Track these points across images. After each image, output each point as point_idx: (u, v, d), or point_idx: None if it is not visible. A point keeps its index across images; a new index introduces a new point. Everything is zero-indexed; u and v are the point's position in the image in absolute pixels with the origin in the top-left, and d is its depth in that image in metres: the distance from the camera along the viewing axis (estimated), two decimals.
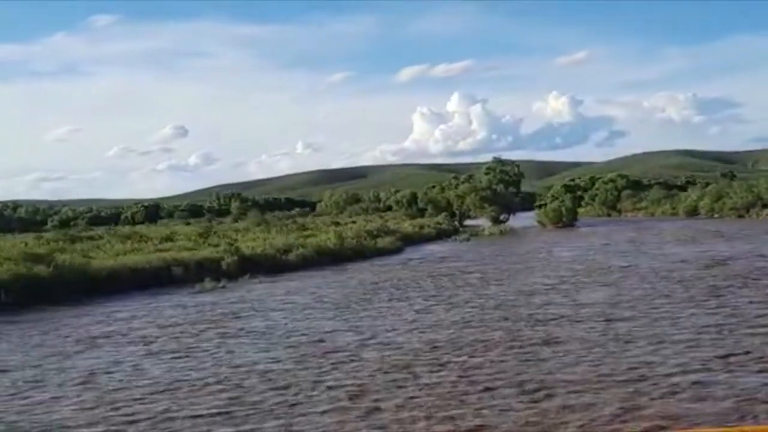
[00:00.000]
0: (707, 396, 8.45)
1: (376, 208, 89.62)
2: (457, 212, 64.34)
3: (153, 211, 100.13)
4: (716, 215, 65.27)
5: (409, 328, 13.84)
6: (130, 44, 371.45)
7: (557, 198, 74.67)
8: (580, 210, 74.24)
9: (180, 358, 11.90)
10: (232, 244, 29.06)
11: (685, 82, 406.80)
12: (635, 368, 9.79)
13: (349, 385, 9.64)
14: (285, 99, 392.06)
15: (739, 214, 62.18)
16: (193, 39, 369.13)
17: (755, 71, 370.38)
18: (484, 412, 8.19)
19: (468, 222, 62.55)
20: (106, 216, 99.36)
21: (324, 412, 8.46)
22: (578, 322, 13.70)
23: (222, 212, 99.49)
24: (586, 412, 7.99)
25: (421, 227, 49.83)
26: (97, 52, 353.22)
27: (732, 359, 10.12)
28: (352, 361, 11.13)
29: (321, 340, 12.94)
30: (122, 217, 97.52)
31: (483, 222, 61.18)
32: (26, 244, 29.58)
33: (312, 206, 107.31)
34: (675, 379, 9.16)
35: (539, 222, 61.62)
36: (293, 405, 8.81)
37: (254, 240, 33.45)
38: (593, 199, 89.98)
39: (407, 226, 49.52)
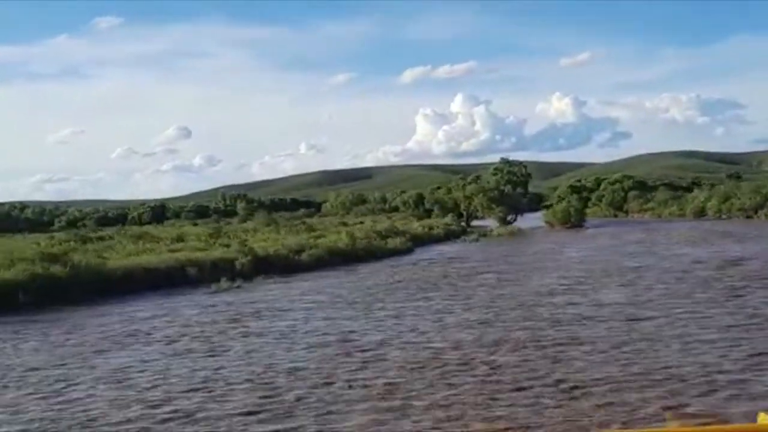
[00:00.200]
0: (745, 394, 8.46)
1: (383, 209, 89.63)
2: (464, 213, 64.30)
3: (159, 212, 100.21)
4: (724, 216, 65.18)
5: (432, 328, 13.88)
6: (132, 46, 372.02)
7: (564, 199, 74.64)
8: (587, 211, 74.11)
9: (208, 357, 11.95)
10: (244, 245, 29.13)
11: (688, 83, 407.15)
12: (668, 367, 9.81)
13: (380, 383, 9.67)
14: (287, 100, 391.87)
15: (747, 215, 62.11)
16: (194, 40, 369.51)
17: (759, 72, 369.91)
18: (519, 410, 8.21)
19: (475, 223, 62.53)
20: (113, 216, 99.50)
21: (357, 411, 8.49)
22: (601, 321, 13.73)
23: (228, 213, 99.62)
24: (627, 408, 8.01)
25: (431, 228, 49.86)
26: (99, 54, 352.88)
27: (759, 359, 10.13)
28: (379, 360, 11.17)
29: (346, 340, 12.98)
30: (129, 217, 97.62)
31: (490, 223, 61.16)
32: (39, 245, 29.66)
33: (317, 207, 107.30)
34: (710, 378, 9.19)
35: (547, 222, 61.63)
36: (327, 403, 8.84)
37: (265, 240, 33.54)
38: (600, 200, 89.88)
39: (416, 226, 49.57)
